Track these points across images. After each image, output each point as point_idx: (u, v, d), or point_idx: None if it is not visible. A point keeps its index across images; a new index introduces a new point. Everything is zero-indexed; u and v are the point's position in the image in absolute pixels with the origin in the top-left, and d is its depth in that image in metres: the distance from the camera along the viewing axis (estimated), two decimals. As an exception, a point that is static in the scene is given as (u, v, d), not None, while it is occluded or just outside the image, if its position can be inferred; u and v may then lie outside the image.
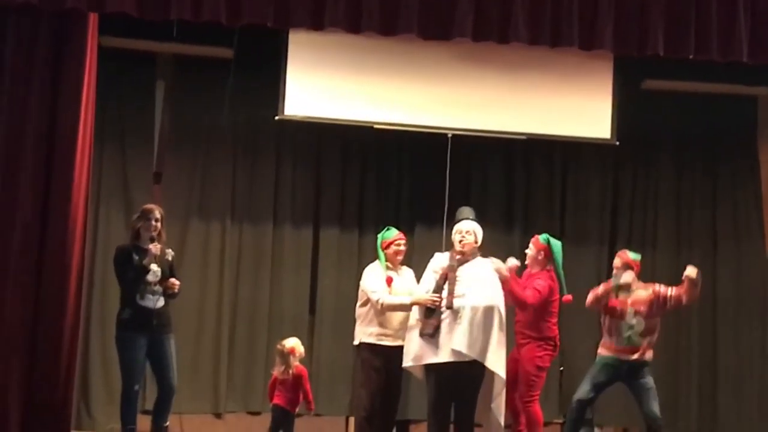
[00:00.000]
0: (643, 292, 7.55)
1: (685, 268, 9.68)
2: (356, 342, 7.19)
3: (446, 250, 7.27)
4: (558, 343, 7.67)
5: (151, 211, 7.11)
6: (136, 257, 6.96)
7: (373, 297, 7.05)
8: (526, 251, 7.75)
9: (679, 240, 9.81)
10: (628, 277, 7.49)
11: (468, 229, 7.00)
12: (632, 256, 7.70)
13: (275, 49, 8.64)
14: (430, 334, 6.73)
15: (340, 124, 8.85)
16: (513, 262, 7.39)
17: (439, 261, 7.01)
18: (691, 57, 7.76)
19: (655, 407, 7.44)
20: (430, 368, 6.78)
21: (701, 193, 9.87)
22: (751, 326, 9.69)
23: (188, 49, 9.05)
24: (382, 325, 7.06)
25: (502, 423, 6.97)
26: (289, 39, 8.53)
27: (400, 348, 7.00)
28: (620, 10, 7.60)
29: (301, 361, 7.56)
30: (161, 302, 7.00)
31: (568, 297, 7.56)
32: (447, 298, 6.74)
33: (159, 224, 7.09)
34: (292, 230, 9.43)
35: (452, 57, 8.55)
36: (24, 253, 7.14)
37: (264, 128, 9.23)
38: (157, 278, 6.97)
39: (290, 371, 7.42)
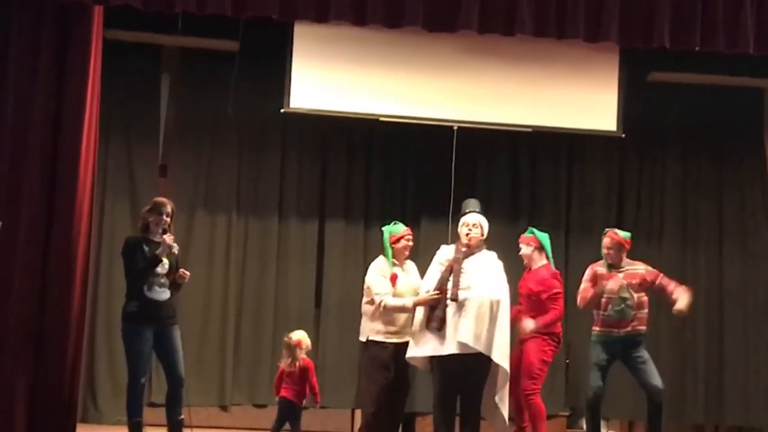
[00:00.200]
0: (633, 268, 7.57)
1: (690, 262, 9.74)
2: (363, 338, 7.16)
3: (452, 242, 7.26)
4: (561, 339, 7.68)
5: (163, 205, 7.08)
6: (146, 249, 6.94)
7: (376, 299, 7.03)
8: (520, 252, 7.74)
9: (685, 232, 9.80)
10: (613, 285, 7.48)
11: (475, 222, 6.99)
12: (623, 234, 7.66)
13: (280, 41, 8.63)
14: (437, 327, 6.72)
15: (345, 116, 8.85)
16: (530, 325, 7.40)
17: (445, 253, 7.00)
18: (697, 49, 7.74)
19: (655, 379, 7.41)
20: (435, 361, 6.77)
21: (707, 185, 9.85)
22: (757, 318, 9.69)
23: (193, 41, 9.06)
24: (389, 322, 7.03)
25: (506, 416, 6.96)
26: (294, 31, 8.52)
27: (407, 344, 6.98)
28: (626, 2, 7.57)
29: (307, 353, 7.56)
30: (168, 294, 7.01)
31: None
32: (452, 291, 6.73)
33: (169, 219, 7.08)
34: (298, 223, 9.44)
35: (458, 49, 8.54)
36: (30, 245, 7.14)
37: (269, 121, 9.23)
38: (165, 270, 6.98)
39: (297, 364, 7.42)
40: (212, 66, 9.21)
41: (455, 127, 8.81)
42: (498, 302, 6.75)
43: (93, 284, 8.69)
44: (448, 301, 6.72)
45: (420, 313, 6.88)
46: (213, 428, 8.82)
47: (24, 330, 7.07)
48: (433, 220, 9.24)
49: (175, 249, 7.17)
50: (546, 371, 7.67)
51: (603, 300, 7.51)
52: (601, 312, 7.52)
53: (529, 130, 8.99)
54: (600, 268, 7.64)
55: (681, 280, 7.85)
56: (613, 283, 7.50)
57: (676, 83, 9.56)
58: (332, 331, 9.34)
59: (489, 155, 9.71)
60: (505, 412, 6.94)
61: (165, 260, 6.98)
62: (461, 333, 6.64)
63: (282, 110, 8.69)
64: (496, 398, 6.87)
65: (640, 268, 7.62)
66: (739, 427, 9.86)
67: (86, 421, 8.71)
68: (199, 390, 8.85)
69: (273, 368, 8.39)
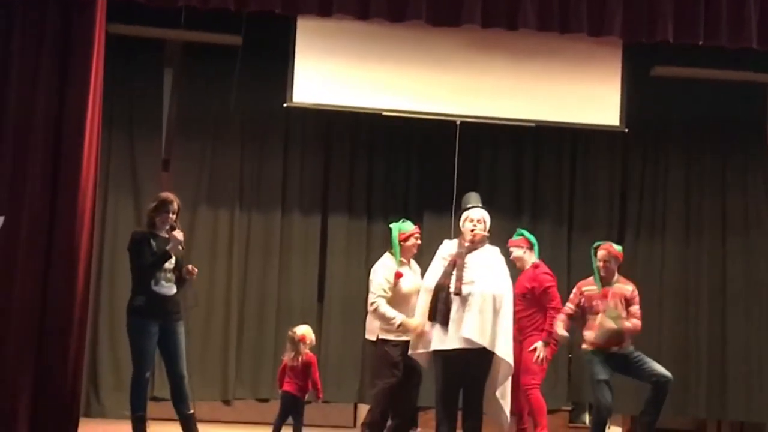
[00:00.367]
0: (624, 287, 7.46)
1: (693, 257, 9.73)
2: (373, 337, 7.11)
3: (454, 237, 7.25)
4: (558, 338, 7.67)
5: (170, 202, 7.05)
6: (153, 244, 6.93)
7: (371, 297, 7.01)
8: (512, 256, 7.75)
9: (688, 227, 9.78)
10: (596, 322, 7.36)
11: (479, 218, 6.97)
12: (617, 248, 7.59)
13: (283, 36, 8.63)
14: (441, 322, 6.71)
15: (348, 111, 8.85)
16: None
17: (448, 248, 6.98)
18: (700, 43, 7.74)
19: (658, 367, 7.33)
20: (438, 356, 6.76)
21: (710, 180, 9.83)
22: (760, 314, 9.67)
23: (196, 36, 9.04)
24: None
25: (508, 410, 6.96)
26: (297, 26, 8.52)
27: None
28: (629, -4, 7.58)
29: (310, 348, 7.56)
30: (174, 289, 7.00)
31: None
32: (456, 285, 6.72)
33: (175, 216, 7.06)
34: (301, 218, 9.44)
35: (461, 44, 8.54)
36: (33, 240, 7.14)
37: (272, 115, 9.23)
38: (172, 266, 6.97)
39: (300, 358, 7.41)
40: (215, 60, 9.21)
41: (458, 122, 8.82)
42: (501, 297, 6.74)
43: (96, 278, 8.69)
44: (452, 296, 6.71)
45: (421, 309, 6.86)
46: (216, 422, 8.83)
47: (27, 324, 7.07)
48: (435, 215, 9.23)
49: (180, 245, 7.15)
50: (545, 368, 7.69)
51: (591, 320, 7.38)
52: (591, 332, 7.35)
53: (532, 125, 8.99)
54: (588, 287, 7.46)
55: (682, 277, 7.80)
56: (603, 305, 7.36)
57: (680, 78, 9.53)
58: (335, 326, 9.34)
59: (492, 150, 9.70)
60: (507, 406, 6.94)
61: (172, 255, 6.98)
62: (465, 328, 6.63)
63: (285, 105, 8.69)
64: (498, 393, 6.86)
65: (628, 288, 7.47)
66: (742, 422, 9.87)
67: (89, 415, 8.72)
68: (202, 384, 8.88)
69: (276, 363, 8.40)
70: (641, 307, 7.46)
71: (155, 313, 6.88)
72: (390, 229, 7.24)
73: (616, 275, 7.49)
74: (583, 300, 7.43)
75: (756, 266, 9.71)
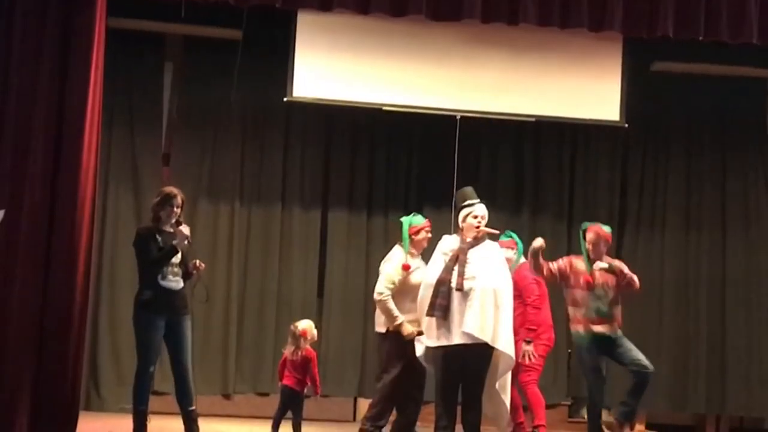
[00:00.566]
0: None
1: (693, 251, 9.74)
2: (383, 330, 7.09)
3: (454, 232, 7.25)
4: (553, 336, 7.69)
5: (174, 196, 7.01)
6: (159, 238, 6.92)
7: (378, 287, 7.01)
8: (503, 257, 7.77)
9: (688, 222, 9.80)
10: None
11: (483, 214, 6.96)
12: (606, 229, 7.56)
13: (284, 30, 8.63)
14: (441, 316, 6.71)
15: (348, 106, 8.85)
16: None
17: (448, 243, 6.98)
18: (701, 38, 7.73)
19: (642, 357, 7.26)
20: (438, 350, 6.76)
21: (710, 174, 9.84)
22: (760, 308, 9.68)
23: (197, 30, 9.05)
24: (408, 311, 7.00)
25: (508, 403, 6.98)
26: (297, 20, 8.51)
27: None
28: (630, -9, 7.57)
29: (311, 344, 7.55)
30: (181, 284, 6.99)
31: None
32: (457, 280, 6.72)
33: (180, 210, 7.05)
34: (301, 212, 9.45)
35: (461, 39, 8.53)
36: (33, 234, 7.13)
37: (272, 110, 9.23)
38: (179, 260, 6.97)
39: (299, 353, 7.41)
40: (215, 55, 9.21)
41: (458, 117, 8.81)
42: (502, 291, 6.74)
43: (96, 273, 8.70)
44: (453, 291, 6.72)
45: (423, 304, 6.86)
46: (216, 416, 8.84)
47: (27, 319, 7.06)
48: (436, 210, 9.21)
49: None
50: (542, 365, 7.69)
51: (579, 297, 7.38)
52: (576, 308, 7.32)
53: (533, 119, 8.99)
54: (579, 262, 7.39)
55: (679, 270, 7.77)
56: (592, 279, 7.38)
57: (680, 73, 9.54)
58: (335, 320, 9.35)
59: (492, 145, 9.71)
60: (507, 399, 6.96)
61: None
62: (467, 324, 6.63)
63: (285, 99, 8.69)
64: (497, 386, 6.88)
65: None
66: (741, 416, 9.88)
67: (89, 408, 8.74)
68: (202, 378, 8.88)
69: (276, 357, 8.41)
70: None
71: (162, 308, 6.87)
72: (401, 224, 7.23)
73: (605, 257, 7.44)
74: (569, 269, 7.37)
75: (755, 260, 9.73)
